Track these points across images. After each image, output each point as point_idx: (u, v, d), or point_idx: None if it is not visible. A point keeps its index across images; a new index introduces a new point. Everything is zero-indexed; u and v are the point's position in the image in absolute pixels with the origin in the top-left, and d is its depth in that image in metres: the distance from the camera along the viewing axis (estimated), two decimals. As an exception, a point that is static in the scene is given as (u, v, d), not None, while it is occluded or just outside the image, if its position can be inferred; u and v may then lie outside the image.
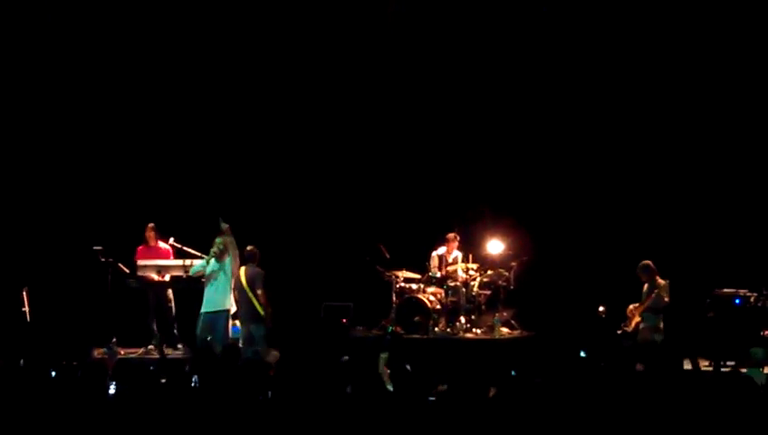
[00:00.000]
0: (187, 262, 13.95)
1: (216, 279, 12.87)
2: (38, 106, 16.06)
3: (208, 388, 7.84)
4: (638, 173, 15.85)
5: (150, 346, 14.08)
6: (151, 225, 14.50)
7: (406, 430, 6.56)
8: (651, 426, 6.57)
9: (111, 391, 8.08)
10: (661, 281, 12.96)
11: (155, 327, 14.28)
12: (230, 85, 16.42)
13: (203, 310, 12.87)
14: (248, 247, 13.22)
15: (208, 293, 12.90)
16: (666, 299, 12.90)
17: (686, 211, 15.50)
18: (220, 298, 12.85)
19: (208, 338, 12.61)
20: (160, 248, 14.47)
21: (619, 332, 12.65)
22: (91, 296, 14.50)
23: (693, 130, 15.61)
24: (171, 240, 14.35)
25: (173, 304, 14.30)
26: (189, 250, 14.01)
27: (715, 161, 15.50)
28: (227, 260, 12.88)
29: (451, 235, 15.17)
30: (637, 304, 13.06)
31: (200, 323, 12.81)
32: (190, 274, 13.42)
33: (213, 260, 12.87)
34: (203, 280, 13.14)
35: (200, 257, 13.93)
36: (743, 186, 15.39)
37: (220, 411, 7.08)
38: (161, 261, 14.26)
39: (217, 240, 12.82)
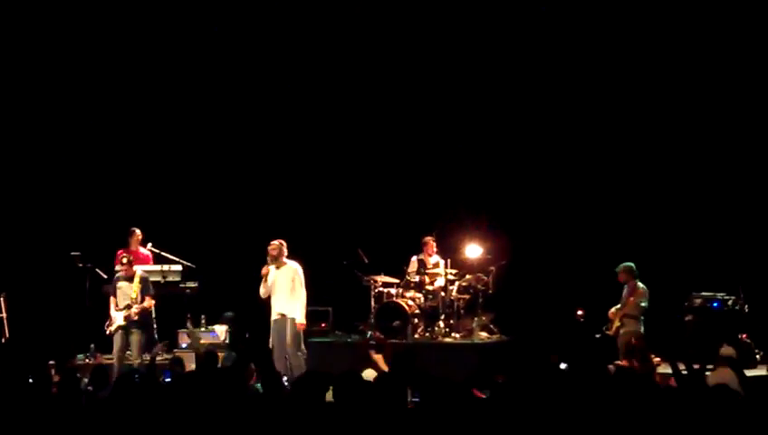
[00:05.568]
0: (165, 267, 13.88)
1: (277, 286, 12.82)
2: (16, 112, 15.98)
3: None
4: (616, 176, 15.90)
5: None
6: (135, 229, 14.42)
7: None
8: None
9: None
10: (641, 285, 12.98)
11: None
12: (208, 92, 16.42)
13: (273, 317, 12.92)
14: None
15: (273, 300, 12.90)
16: (645, 305, 12.92)
17: (664, 215, 15.56)
18: (282, 304, 12.83)
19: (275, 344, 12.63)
20: (140, 253, 14.41)
21: (598, 335, 12.66)
22: (69, 302, 14.41)
23: (670, 135, 15.68)
24: (149, 245, 14.31)
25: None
26: (168, 256, 13.94)
27: (691, 165, 15.58)
28: (286, 266, 12.81)
29: (427, 238, 15.15)
30: (618, 306, 13.09)
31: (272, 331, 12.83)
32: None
33: (272, 267, 12.78)
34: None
35: (179, 263, 13.87)
36: (719, 189, 15.45)
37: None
38: (141, 266, 14.19)
39: (273, 243, 12.75)
